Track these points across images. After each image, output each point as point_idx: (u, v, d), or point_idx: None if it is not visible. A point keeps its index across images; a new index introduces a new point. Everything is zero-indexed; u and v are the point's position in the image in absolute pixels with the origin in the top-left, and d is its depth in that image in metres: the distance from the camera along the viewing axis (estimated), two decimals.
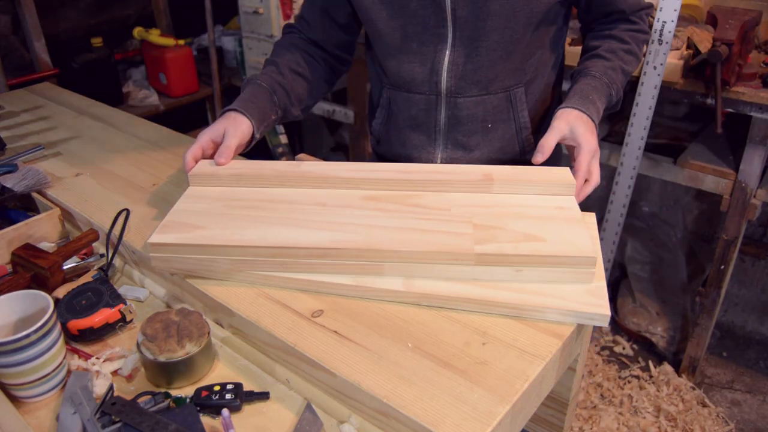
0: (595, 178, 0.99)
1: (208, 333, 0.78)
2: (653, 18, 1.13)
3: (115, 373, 0.79)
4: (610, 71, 1.07)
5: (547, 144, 0.99)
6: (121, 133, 1.42)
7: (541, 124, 1.18)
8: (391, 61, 1.11)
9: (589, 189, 1.00)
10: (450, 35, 1.04)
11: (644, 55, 1.16)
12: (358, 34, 1.25)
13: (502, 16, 1.00)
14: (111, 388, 0.72)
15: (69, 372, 0.78)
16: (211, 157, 1.04)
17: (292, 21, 1.30)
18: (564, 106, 1.03)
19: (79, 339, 0.84)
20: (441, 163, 1.15)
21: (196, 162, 1.03)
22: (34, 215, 1.05)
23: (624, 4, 1.10)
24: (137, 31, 2.75)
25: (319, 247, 0.83)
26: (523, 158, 1.17)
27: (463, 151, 1.14)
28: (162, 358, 0.74)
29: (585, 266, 0.80)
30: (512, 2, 0.99)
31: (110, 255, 0.96)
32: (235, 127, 1.03)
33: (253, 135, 1.06)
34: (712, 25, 1.67)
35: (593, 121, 1.02)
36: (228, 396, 0.73)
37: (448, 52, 1.06)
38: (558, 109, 1.03)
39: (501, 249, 0.81)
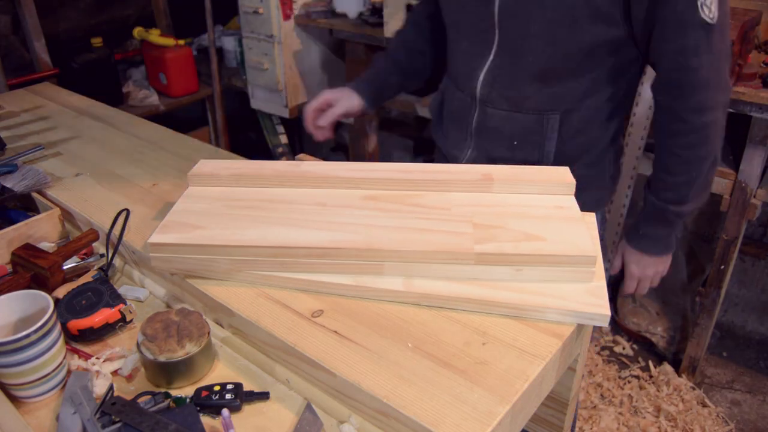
0: (642, 286, 1.18)
1: (208, 333, 0.78)
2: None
3: (115, 373, 0.79)
4: (670, 193, 1.07)
5: (627, 284, 1.19)
6: (121, 133, 1.42)
7: (580, 156, 1.11)
8: (449, 53, 1.17)
9: (640, 289, 1.19)
10: (495, 43, 1.03)
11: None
12: None
13: (541, 38, 0.98)
14: (111, 388, 0.72)
15: (69, 372, 0.78)
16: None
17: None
18: (631, 245, 1.16)
19: (79, 339, 0.84)
20: (466, 162, 1.18)
21: (316, 114, 1.24)
22: (34, 215, 1.05)
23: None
24: (137, 31, 2.75)
25: (319, 247, 0.83)
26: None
27: (485, 161, 1.14)
28: (162, 358, 0.74)
29: (585, 265, 0.80)
30: (553, 28, 0.96)
31: (110, 255, 0.96)
32: (348, 100, 1.23)
33: (363, 110, 1.25)
34: None
35: (646, 254, 1.14)
36: (228, 396, 0.73)
37: (490, 59, 1.05)
38: (627, 247, 1.17)
39: (501, 248, 0.81)
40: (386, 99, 1.29)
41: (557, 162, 1.09)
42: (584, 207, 0.92)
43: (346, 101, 1.22)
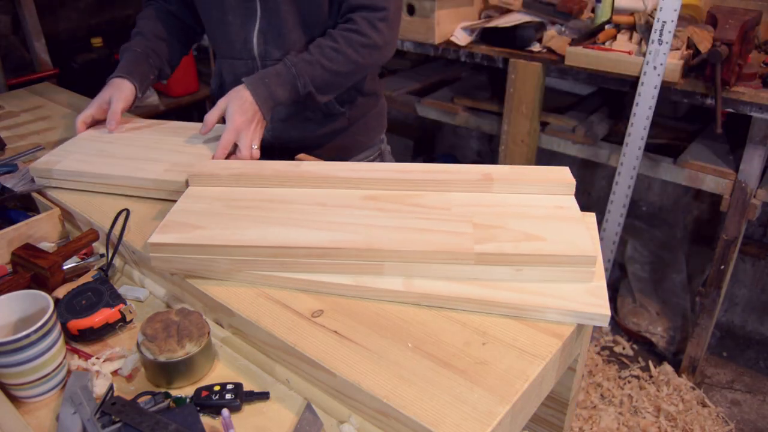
0: (244, 153, 1.12)
1: (208, 333, 0.78)
2: (383, 25, 1.20)
3: (115, 373, 0.79)
4: (305, 64, 1.18)
5: (209, 118, 1.15)
6: None
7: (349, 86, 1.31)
8: (216, 32, 1.30)
9: (235, 159, 1.13)
10: (258, 8, 1.21)
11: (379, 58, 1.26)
12: None
13: None
14: (111, 388, 0.72)
15: (69, 372, 0.78)
16: (103, 121, 1.25)
17: None
18: (243, 80, 1.17)
19: (79, 339, 0.84)
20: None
21: (87, 127, 1.25)
22: (34, 215, 1.05)
23: None
24: None
25: (319, 247, 0.83)
26: (333, 110, 1.33)
27: (280, 107, 1.26)
28: (162, 358, 0.74)
29: (585, 265, 0.80)
30: None
31: (110, 255, 0.96)
32: (119, 92, 1.24)
33: (135, 95, 1.27)
34: (712, 25, 1.67)
35: (257, 102, 1.14)
36: (228, 396, 0.73)
37: (258, 22, 1.23)
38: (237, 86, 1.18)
39: (501, 248, 0.81)
40: (149, 84, 1.32)
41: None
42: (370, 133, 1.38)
43: (120, 93, 1.24)
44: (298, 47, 1.24)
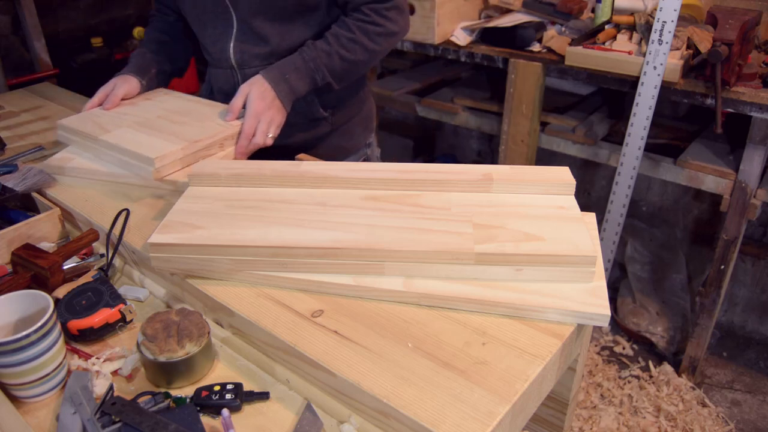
0: (258, 139, 1.16)
1: (208, 333, 0.78)
2: (396, 14, 1.25)
3: (115, 373, 0.79)
4: (324, 56, 1.21)
5: (235, 104, 1.18)
6: None
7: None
8: (201, 43, 1.37)
9: (252, 146, 1.18)
10: (234, 18, 1.24)
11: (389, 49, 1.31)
12: None
13: (262, 3, 1.21)
14: (111, 388, 0.73)
15: (69, 372, 0.78)
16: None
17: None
18: (260, 73, 1.20)
19: (79, 339, 0.84)
20: None
21: (94, 106, 1.30)
22: (34, 215, 1.05)
23: None
24: (137, 31, 2.75)
25: (319, 247, 0.83)
26: (317, 114, 1.35)
27: None
28: (162, 358, 0.74)
29: (585, 265, 0.80)
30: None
31: (110, 255, 0.96)
32: (122, 81, 1.31)
33: (141, 85, 1.34)
34: (712, 25, 1.67)
35: (275, 90, 1.18)
36: (228, 396, 0.73)
37: (234, 32, 1.26)
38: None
39: (501, 248, 0.81)
40: (153, 77, 1.38)
41: (320, 96, 1.33)
42: (355, 137, 1.43)
43: (123, 83, 1.31)
44: (276, 55, 1.26)
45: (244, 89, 1.18)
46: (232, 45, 1.28)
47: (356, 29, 1.22)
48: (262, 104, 1.16)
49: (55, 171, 1.16)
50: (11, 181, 1.12)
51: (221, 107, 1.27)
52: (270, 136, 1.18)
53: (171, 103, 1.31)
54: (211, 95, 1.42)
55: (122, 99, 1.30)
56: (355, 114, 1.43)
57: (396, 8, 1.25)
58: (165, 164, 1.07)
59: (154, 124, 1.19)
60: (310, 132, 1.37)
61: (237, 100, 1.18)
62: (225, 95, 1.35)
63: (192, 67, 2.80)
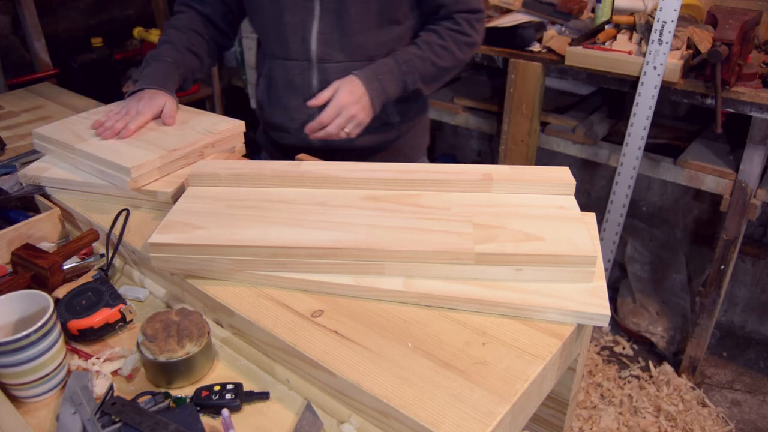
0: (331, 129, 1.16)
1: (208, 333, 0.78)
2: (480, 25, 1.27)
3: (115, 373, 0.79)
4: (417, 60, 1.21)
5: (323, 95, 1.17)
6: None
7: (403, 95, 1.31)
8: (271, 32, 1.25)
9: (323, 134, 1.18)
10: (317, 7, 1.18)
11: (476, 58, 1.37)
12: (245, 15, 1.37)
13: None
14: (111, 388, 0.73)
15: (69, 372, 0.78)
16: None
17: None
18: (353, 73, 1.18)
19: (79, 339, 0.84)
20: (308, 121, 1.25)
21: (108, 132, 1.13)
22: (34, 215, 1.05)
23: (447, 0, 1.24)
24: (137, 31, 2.75)
25: (319, 247, 0.83)
26: (389, 119, 1.31)
27: None
28: (162, 358, 0.74)
29: (585, 265, 0.80)
30: None
31: (110, 255, 0.96)
32: (151, 100, 1.18)
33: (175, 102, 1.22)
34: (712, 25, 1.67)
35: (367, 89, 1.17)
36: (228, 396, 0.73)
37: (316, 21, 1.19)
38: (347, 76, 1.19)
39: (501, 248, 0.81)
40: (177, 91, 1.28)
41: (396, 101, 1.28)
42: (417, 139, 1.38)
43: (152, 103, 1.17)
44: (363, 51, 1.22)
45: (335, 83, 1.17)
46: (314, 36, 1.21)
47: (448, 37, 1.23)
48: (348, 98, 1.15)
49: (30, 181, 1.12)
50: (8, 184, 1.12)
51: (201, 114, 1.24)
52: (346, 130, 1.17)
53: None
54: (270, 90, 1.33)
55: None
56: (418, 123, 1.40)
57: (482, 21, 1.27)
58: (142, 174, 1.04)
59: None
60: (379, 136, 1.33)
61: (326, 92, 1.17)
62: (293, 91, 1.28)
63: None
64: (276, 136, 1.39)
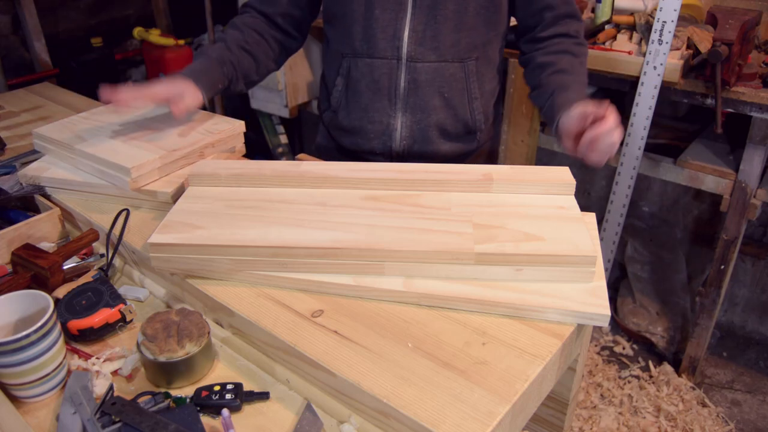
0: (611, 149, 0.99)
1: (208, 333, 0.78)
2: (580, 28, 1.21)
3: (115, 373, 0.79)
4: (581, 87, 1.13)
5: (590, 108, 1.00)
6: None
7: (489, 102, 1.27)
8: (356, 28, 1.16)
9: (605, 154, 0.98)
10: (410, 3, 1.12)
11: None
12: (316, 15, 1.30)
13: None
14: (111, 388, 0.73)
15: (69, 372, 0.78)
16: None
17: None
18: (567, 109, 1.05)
19: (79, 339, 0.84)
20: (399, 126, 1.22)
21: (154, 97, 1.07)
22: (34, 215, 1.05)
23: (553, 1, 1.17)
24: (137, 31, 2.75)
25: (319, 247, 0.83)
26: (474, 125, 1.25)
27: (421, 114, 1.21)
28: (162, 358, 0.74)
29: (585, 265, 0.80)
30: None
31: (110, 255, 0.96)
32: (193, 95, 1.09)
33: (201, 100, 1.13)
34: (712, 25, 1.67)
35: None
36: (228, 396, 0.73)
37: (408, 19, 1.13)
38: (574, 105, 1.04)
39: (501, 248, 0.81)
40: (216, 93, 1.20)
41: (482, 104, 1.24)
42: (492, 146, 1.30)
43: (192, 97, 1.10)
44: (455, 52, 1.16)
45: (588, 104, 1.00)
46: (406, 33, 1.14)
47: (579, 53, 1.17)
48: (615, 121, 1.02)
49: (30, 181, 1.12)
50: (8, 184, 1.12)
51: (201, 114, 1.24)
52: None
53: (150, 110, 1.27)
54: (348, 90, 1.23)
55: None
56: (491, 136, 1.33)
57: (580, 18, 1.22)
58: (142, 174, 1.04)
59: (132, 133, 1.16)
60: (463, 144, 1.26)
61: (590, 107, 1.00)
62: (377, 91, 1.20)
63: None
64: (348, 141, 1.28)
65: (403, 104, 1.20)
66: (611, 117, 0.96)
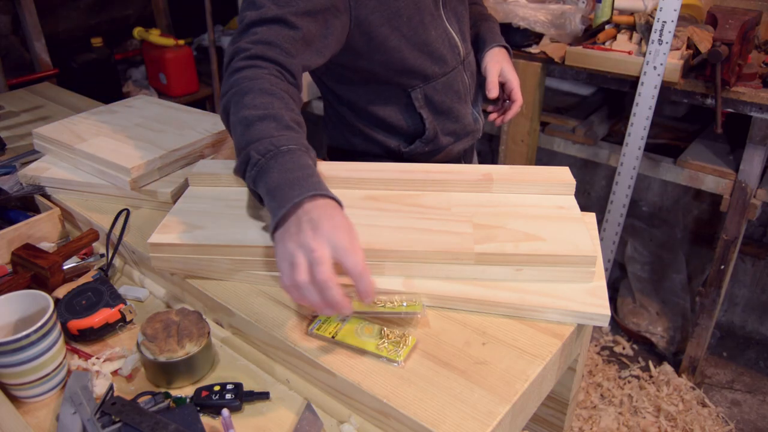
0: (521, 100, 1.25)
1: (208, 333, 0.78)
2: None
3: (115, 373, 0.79)
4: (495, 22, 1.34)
5: (494, 81, 1.21)
6: None
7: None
8: (417, 61, 1.11)
9: (512, 113, 1.26)
10: (442, 10, 1.17)
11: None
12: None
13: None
14: (111, 388, 0.73)
15: (69, 372, 0.78)
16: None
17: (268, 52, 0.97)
18: (490, 47, 1.25)
19: (79, 339, 0.84)
20: (471, 118, 1.28)
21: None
22: (34, 215, 1.05)
23: None
24: (137, 31, 2.75)
25: None
26: (475, 125, 1.32)
27: (474, 98, 1.30)
28: (162, 358, 0.74)
29: (585, 265, 0.80)
30: None
31: (110, 255, 0.96)
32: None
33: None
34: (712, 25, 1.67)
35: (509, 51, 1.28)
36: (228, 396, 0.73)
37: (450, 25, 1.19)
38: (486, 50, 1.26)
39: (501, 248, 0.81)
40: None
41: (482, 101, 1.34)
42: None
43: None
44: (468, 34, 1.27)
45: (492, 64, 1.23)
46: (458, 38, 1.19)
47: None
48: (514, 71, 1.25)
49: (30, 181, 1.12)
50: (8, 184, 1.12)
51: (201, 114, 1.24)
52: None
53: (150, 110, 1.28)
54: (436, 117, 1.19)
55: None
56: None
57: None
58: (142, 174, 1.05)
59: (132, 133, 1.16)
60: (468, 141, 1.28)
61: (494, 76, 1.22)
62: (458, 99, 1.21)
63: (191, 66, 2.80)
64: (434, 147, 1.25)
65: (472, 99, 1.29)
66: (519, 97, 1.25)
